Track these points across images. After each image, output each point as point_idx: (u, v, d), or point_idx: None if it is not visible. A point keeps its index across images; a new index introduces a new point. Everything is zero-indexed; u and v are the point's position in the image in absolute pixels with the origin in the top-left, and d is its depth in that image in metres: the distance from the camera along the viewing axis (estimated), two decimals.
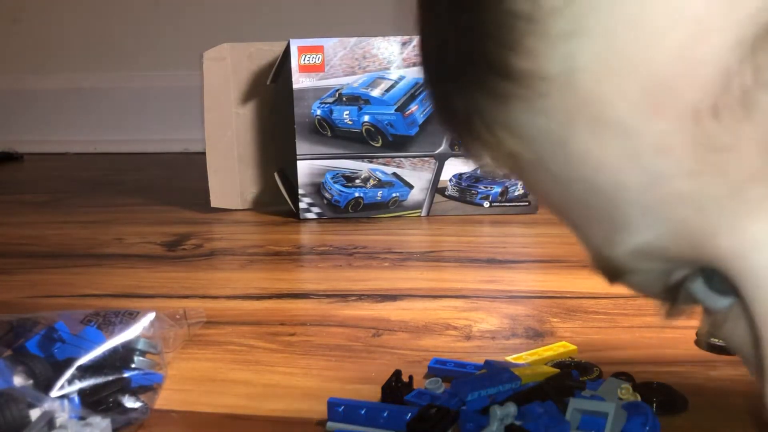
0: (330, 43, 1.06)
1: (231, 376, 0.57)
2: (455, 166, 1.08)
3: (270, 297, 0.76)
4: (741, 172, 0.18)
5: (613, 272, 0.22)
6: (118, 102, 1.99)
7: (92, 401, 0.47)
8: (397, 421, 0.46)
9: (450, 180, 1.08)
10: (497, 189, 1.08)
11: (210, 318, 0.67)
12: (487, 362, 0.54)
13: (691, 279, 0.23)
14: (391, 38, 1.06)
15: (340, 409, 0.47)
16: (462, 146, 0.25)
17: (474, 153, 0.24)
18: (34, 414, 0.43)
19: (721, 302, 0.22)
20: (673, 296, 0.23)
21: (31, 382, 0.47)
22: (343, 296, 0.75)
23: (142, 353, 0.52)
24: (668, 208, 0.19)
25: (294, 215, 1.10)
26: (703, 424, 0.48)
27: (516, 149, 0.22)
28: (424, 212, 1.09)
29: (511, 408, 0.43)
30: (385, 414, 0.46)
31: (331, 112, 1.07)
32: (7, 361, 0.48)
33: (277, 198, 1.13)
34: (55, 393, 0.46)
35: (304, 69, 1.06)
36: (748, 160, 0.18)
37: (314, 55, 1.06)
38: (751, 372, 0.22)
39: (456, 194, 1.09)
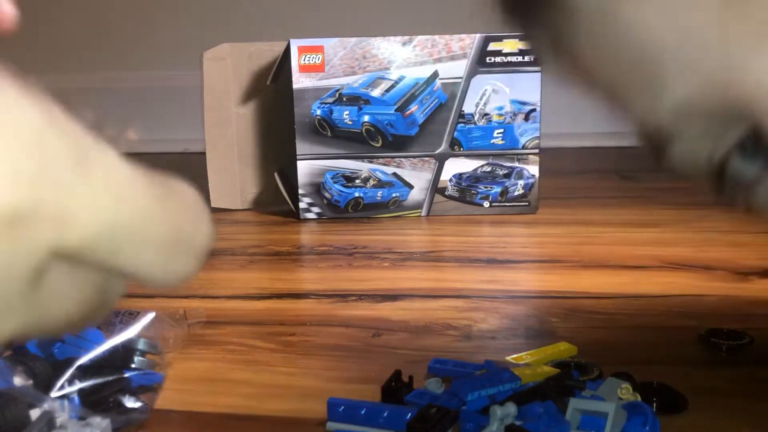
0: (330, 43, 1.06)
1: (231, 376, 0.57)
2: (455, 166, 1.08)
3: (270, 297, 0.76)
4: (761, 15, 0.19)
5: (658, 141, 0.23)
6: (119, 102, 1.99)
7: (92, 401, 0.47)
8: (397, 421, 0.46)
9: (450, 180, 1.08)
10: (497, 189, 1.08)
11: (210, 318, 0.67)
12: (487, 362, 0.54)
13: (730, 157, 0.24)
14: (391, 38, 1.06)
15: (340, 409, 0.47)
16: (518, 19, 0.26)
17: (530, 26, 0.26)
18: (34, 414, 0.43)
19: (754, 169, 0.23)
20: (717, 177, 0.24)
21: (31, 382, 0.47)
22: (343, 296, 0.75)
23: (143, 353, 0.52)
24: (701, 60, 0.21)
25: (294, 215, 1.10)
26: (703, 424, 0.48)
27: (569, 19, 0.23)
28: (424, 212, 1.09)
29: (511, 408, 0.44)
30: (385, 414, 0.46)
31: (331, 112, 1.07)
32: (7, 361, 0.48)
33: (277, 198, 1.13)
34: (55, 393, 0.46)
35: (304, 69, 1.06)
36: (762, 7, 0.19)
37: (314, 55, 1.06)
38: None
39: (456, 194, 1.09)
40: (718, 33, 0.20)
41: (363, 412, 0.46)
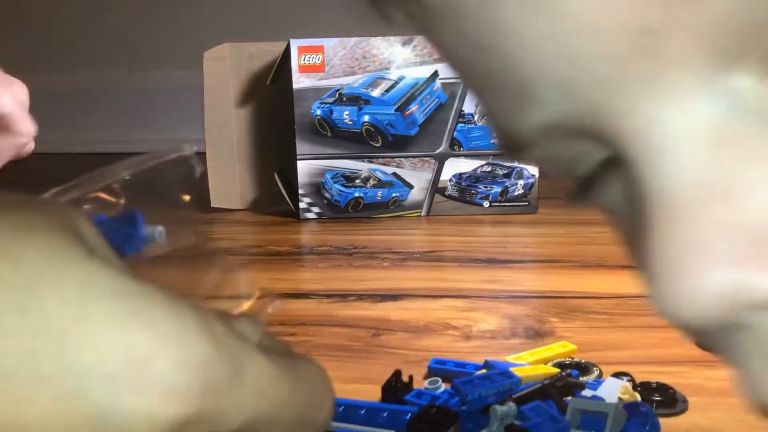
0: (330, 43, 1.06)
1: None
2: (455, 166, 1.08)
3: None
4: (666, 58, 0.18)
5: (515, 146, 0.22)
6: (118, 102, 1.99)
7: None
8: (397, 421, 0.46)
9: (450, 180, 1.08)
10: (497, 189, 1.08)
11: None
12: (487, 362, 0.54)
13: (588, 172, 0.22)
14: (391, 38, 1.05)
15: (340, 409, 0.47)
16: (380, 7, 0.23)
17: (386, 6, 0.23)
18: None
19: (614, 184, 0.22)
20: (576, 185, 0.23)
21: None
22: (343, 296, 0.75)
23: None
24: (582, 88, 0.19)
25: (294, 215, 1.10)
26: (703, 424, 0.48)
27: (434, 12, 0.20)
28: (424, 212, 1.09)
29: (511, 408, 0.43)
30: (385, 414, 0.46)
31: (331, 112, 1.07)
32: None
33: (277, 198, 1.13)
34: None
35: (304, 69, 1.06)
36: (677, 46, 0.18)
37: (314, 55, 1.06)
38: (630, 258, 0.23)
39: (456, 194, 1.09)
40: (609, 68, 0.18)
41: (363, 412, 0.46)
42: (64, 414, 0.18)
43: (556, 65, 0.19)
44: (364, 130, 1.07)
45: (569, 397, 0.48)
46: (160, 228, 0.33)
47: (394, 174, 1.08)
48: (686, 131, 0.18)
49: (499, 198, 1.08)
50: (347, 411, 0.47)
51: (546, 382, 0.49)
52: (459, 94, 1.06)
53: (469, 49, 0.20)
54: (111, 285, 0.19)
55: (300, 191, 1.09)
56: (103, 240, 0.21)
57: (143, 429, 0.19)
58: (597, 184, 0.22)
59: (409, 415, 0.45)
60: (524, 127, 0.21)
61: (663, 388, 0.50)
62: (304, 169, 1.08)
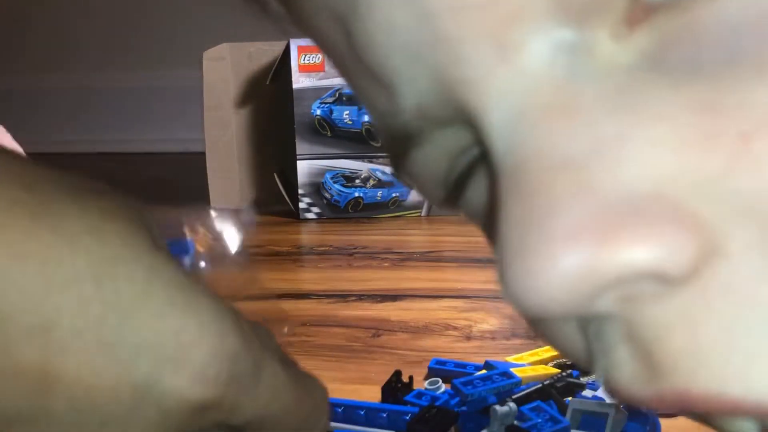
0: None
1: None
2: None
3: (270, 297, 0.76)
4: (506, 12, 0.16)
5: (398, 147, 0.21)
6: (118, 102, 1.99)
7: None
8: (397, 422, 0.46)
9: None
10: None
11: None
12: (487, 362, 0.54)
13: (461, 169, 0.21)
14: None
15: (339, 410, 0.47)
16: None
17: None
18: None
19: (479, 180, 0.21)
20: (449, 185, 0.22)
21: None
22: (343, 296, 0.75)
23: None
24: (434, 55, 0.17)
25: (294, 215, 1.10)
26: (704, 425, 0.48)
27: None
28: (424, 212, 1.09)
29: (512, 408, 0.43)
30: (385, 415, 0.46)
31: (331, 111, 1.07)
32: None
33: (277, 198, 1.13)
34: None
35: (304, 69, 1.06)
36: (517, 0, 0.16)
37: (314, 55, 1.06)
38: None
39: None
40: (453, 24, 0.17)
41: (363, 413, 0.46)
42: (115, 378, 0.20)
43: (408, 29, 0.18)
44: (364, 130, 1.07)
45: (570, 398, 0.48)
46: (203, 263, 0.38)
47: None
48: (529, 99, 0.17)
49: None
50: (347, 411, 0.47)
51: (546, 382, 0.49)
52: None
53: (332, 25, 0.19)
54: (171, 276, 0.21)
55: (300, 191, 1.09)
56: (163, 239, 0.24)
57: (173, 404, 0.21)
58: (468, 185, 0.21)
59: (409, 415, 0.45)
60: (398, 117, 0.20)
61: None
62: (304, 169, 1.08)
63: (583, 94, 0.17)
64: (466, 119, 0.18)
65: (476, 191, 0.22)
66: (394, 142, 0.21)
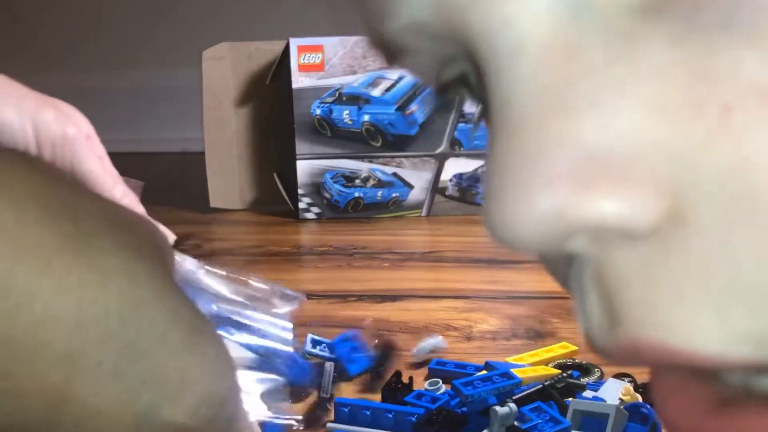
0: (330, 42, 1.06)
1: None
2: (455, 166, 1.08)
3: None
4: None
5: (388, 50, 0.21)
6: (117, 102, 1.99)
7: None
8: (403, 424, 0.45)
9: (450, 180, 1.08)
10: None
11: None
12: (487, 363, 0.54)
13: (455, 86, 0.22)
14: None
15: (346, 410, 0.47)
16: None
17: None
18: None
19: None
20: (444, 91, 0.23)
21: None
22: (343, 296, 0.75)
23: None
24: None
25: (293, 215, 1.10)
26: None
27: None
28: (424, 212, 1.09)
29: (512, 409, 0.43)
30: (391, 416, 0.46)
31: (331, 111, 1.06)
32: None
33: (276, 198, 1.13)
34: None
35: (304, 68, 1.06)
36: None
37: (314, 55, 1.06)
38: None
39: (456, 194, 1.08)
40: None
41: (368, 413, 0.46)
42: (121, 405, 0.22)
43: None
44: (364, 130, 1.07)
45: (570, 399, 0.48)
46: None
47: (394, 174, 1.08)
48: (530, 34, 0.17)
49: None
50: (353, 412, 0.47)
51: (547, 383, 0.49)
52: None
53: None
54: (188, 319, 0.24)
55: (300, 191, 1.08)
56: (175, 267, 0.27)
57: (164, 431, 0.23)
58: (460, 87, 0.22)
59: (415, 417, 0.45)
60: (392, 26, 0.20)
61: None
62: (304, 169, 1.08)
63: (584, 36, 0.17)
64: (461, 40, 0.19)
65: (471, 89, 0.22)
66: (383, 47, 0.22)
